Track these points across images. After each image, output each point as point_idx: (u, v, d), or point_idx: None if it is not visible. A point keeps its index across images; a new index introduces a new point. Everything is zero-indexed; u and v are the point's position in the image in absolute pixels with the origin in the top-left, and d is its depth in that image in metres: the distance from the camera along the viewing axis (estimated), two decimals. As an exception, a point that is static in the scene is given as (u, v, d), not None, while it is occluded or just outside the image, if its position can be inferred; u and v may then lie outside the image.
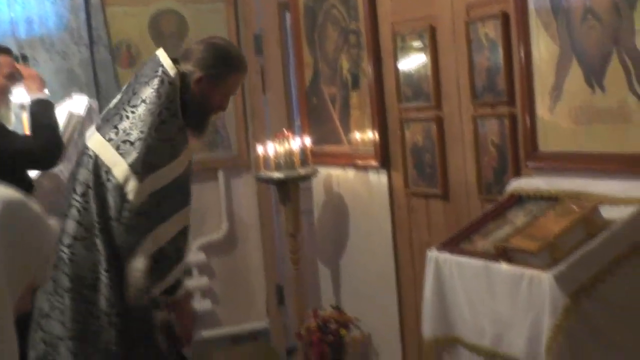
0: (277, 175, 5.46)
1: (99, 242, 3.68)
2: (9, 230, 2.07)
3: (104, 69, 6.27)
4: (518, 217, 3.70)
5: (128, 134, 3.65)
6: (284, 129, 5.79)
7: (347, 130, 5.48)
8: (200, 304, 6.44)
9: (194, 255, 6.41)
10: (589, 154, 3.65)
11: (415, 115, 4.82)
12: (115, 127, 3.70)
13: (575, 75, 3.65)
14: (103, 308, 3.70)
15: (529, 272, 3.25)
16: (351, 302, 5.62)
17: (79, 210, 3.72)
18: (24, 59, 5.83)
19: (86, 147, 3.79)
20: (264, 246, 6.70)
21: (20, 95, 5.02)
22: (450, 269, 3.68)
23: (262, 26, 6.57)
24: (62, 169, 5.26)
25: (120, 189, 3.60)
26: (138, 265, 3.62)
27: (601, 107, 3.54)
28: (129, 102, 3.74)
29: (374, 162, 5.20)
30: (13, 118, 5.12)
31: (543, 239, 3.28)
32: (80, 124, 5.55)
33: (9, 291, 2.07)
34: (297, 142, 5.54)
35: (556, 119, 3.79)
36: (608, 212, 3.34)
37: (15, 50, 5.68)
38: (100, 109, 6.11)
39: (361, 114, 5.31)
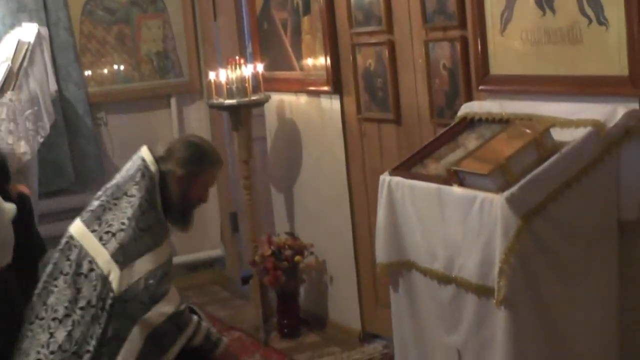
0: (229, 101, 5.42)
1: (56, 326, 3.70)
2: None
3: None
4: (470, 141, 3.70)
5: (110, 225, 3.75)
6: (236, 56, 5.73)
7: (299, 56, 5.44)
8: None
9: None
10: (539, 76, 3.65)
11: (366, 39, 4.79)
12: (99, 219, 3.80)
13: (526, -3, 3.64)
14: None
15: (481, 194, 3.27)
16: (305, 228, 5.63)
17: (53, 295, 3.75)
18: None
19: (70, 236, 3.82)
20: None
21: None
22: (402, 193, 3.68)
23: (212, -49, 6.47)
24: (11, 98, 5.19)
25: (105, 278, 3.66)
26: (134, 347, 3.67)
27: (552, 29, 3.54)
28: (112, 194, 3.84)
29: (326, 88, 5.17)
30: None
31: (494, 162, 3.29)
32: (30, 52, 5.47)
33: None
34: (249, 69, 5.49)
35: (507, 42, 3.78)
36: (559, 134, 3.36)
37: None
38: (51, 37, 6.02)
39: (312, 40, 5.26)
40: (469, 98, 4.05)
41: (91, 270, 3.70)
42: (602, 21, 3.35)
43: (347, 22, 4.91)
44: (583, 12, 3.41)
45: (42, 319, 3.70)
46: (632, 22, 3.24)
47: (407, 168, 3.76)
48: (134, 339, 3.65)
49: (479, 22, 3.89)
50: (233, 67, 5.42)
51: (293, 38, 5.47)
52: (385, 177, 3.78)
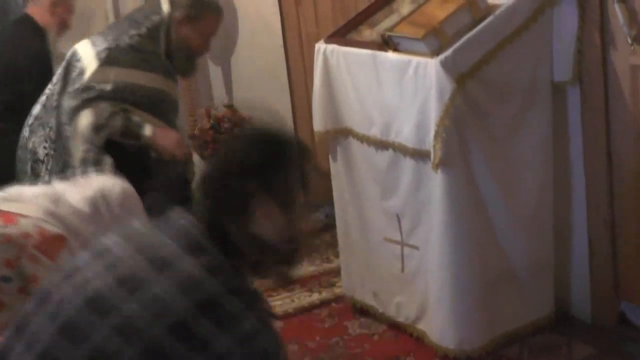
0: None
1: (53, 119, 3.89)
2: None
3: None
4: (404, 6, 3.67)
5: (106, 34, 3.91)
6: None
7: None
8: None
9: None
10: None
11: None
12: (103, 34, 3.95)
13: None
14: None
15: (415, 59, 3.27)
16: (244, 100, 5.59)
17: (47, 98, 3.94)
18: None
19: (74, 52, 3.93)
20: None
21: None
22: (337, 61, 3.66)
23: None
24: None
25: (82, 70, 3.80)
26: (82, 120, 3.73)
27: None
28: (122, 20, 4.12)
29: (260, -44, 5.09)
30: None
31: (428, 26, 3.28)
32: None
33: None
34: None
35: None
36: (492, -3, 3.35)
37: None
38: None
39: None
40: (403, -38, 4.01)
41: (76, 62, 3.87)
42: None
43: None
44: None
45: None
46: None
47: (342, 35, 3.73)
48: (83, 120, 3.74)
49: None
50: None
51: None
52: (320, 46, 3.75)
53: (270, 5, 5.13)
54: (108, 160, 3.71)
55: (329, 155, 3.91)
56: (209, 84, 6.01)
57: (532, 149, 3.40)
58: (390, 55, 3.39)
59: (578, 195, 3.52)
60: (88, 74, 3.79)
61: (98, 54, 3.81)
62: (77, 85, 3.79)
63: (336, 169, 3.89)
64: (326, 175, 4.05)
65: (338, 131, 3.77)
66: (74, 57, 3.87)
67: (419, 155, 3.34)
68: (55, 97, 3.88)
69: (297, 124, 5.19)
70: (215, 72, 5.89)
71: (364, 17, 3.77)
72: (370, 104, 3.54)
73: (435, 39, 3.23)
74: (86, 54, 3.85)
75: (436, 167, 3.23)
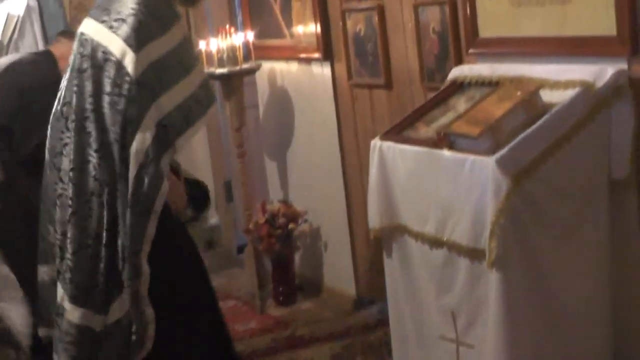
0: (220, 70, 5.41)
1: (89, 123, 3.69)
2: None
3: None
4: (460, 104, 3.71)
5: (119, 12, 3.66)
6: (226, 24, 5.71)
7: (289, 23, 5.42)
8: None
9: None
10: (528, 37, 3.66)
11: (356, 5, 4.78)
12: (107, 10, 3.71)
13: (514, -42, 3.63)
14: (91, 189, 3.68)
15: (471, 157, 3.28)
16: (299, 195, 5.64)
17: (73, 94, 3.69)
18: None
19: (82, 34, 3.80)
20: (210, 142, 6.67)
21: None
22: (393, 158, 3.69)
23: None
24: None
25: (119, 64, 3.62)
26: (146, 136, 3.62)
27: (540, -11, 3.54)
28: None
29: (316, 55, 5.16)
30: None
31: (484, 123, 3.30)
32: (20, 24, 5.46)
33: None
34: (240, 37, 5.48)
35: (496, 4, 3.78)
36: (548, 96, 3.37)
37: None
38: (40, 8, 5.99)
39: (302, 6, 5.25)
40: (459, 61, 4.05)
41: (106, 60, 3.69)
42: (590, -19, 3.35)
43: (336, -13, 4.91)
44: (572, -28, 3.41)
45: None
46: (619, -19, 3.24)
47: (398, 132, 3.77)
48: (148, 124, 3.64)
49: (468, -16, 3.89)
50: (223, 36, 5.42)
51: (283, 5, 5.45)
52: (376, 142, 3.78)
53: (326, 101, 5.19)
54: None
55: (384, 252, 3.91)
56: (265, 179, 6.07)
57: (590, 246, 3.36)
58: (446, 153, 3.40)
59: (635, 292, 3.47)
60: (130, 68, 3.56)
61: (126, 40, 3.58)
62: (126, 86, 3.55)
63: (391, 265, 3.88)
64: (380, 272, 4.05)
65: (393, 228, 3.77)
66: (98, 48, 3.63)
67: (475, 253, 3.32)
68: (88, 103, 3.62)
69: (352, 220, 5.21)
70: (270, 167, 5.95)
71: (420, 114, 3.81)
72: (426, 201, 3.54)
73: (491, 137, 3.24)
74: (112, 41, 3.62)
75: (491, 265, 3.21)
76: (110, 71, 3.61)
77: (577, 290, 3.36)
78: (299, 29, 5.33)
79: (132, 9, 3.64)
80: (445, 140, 3.42)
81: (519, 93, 3.38)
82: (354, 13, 4.80)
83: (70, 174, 3.66)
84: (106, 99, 3.60)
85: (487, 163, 3.18)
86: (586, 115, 3.27)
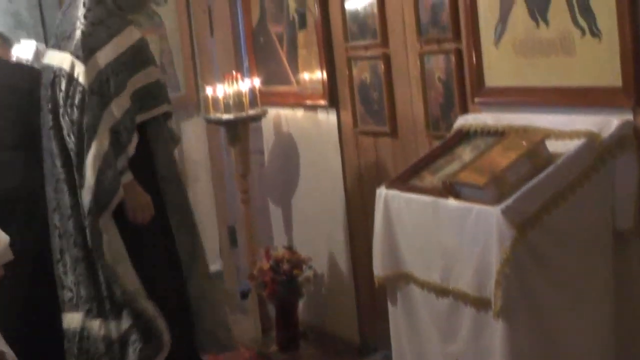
0: (226, 116, 5.44)
1: (52, 141, 3.94)
2: None
3: (52, 12, 6.16)
4: (465, 153, 3.72)
5: (65, 32, 3.92)
6: (233, 70, 5.74)
7: (295, 70, 5.45)
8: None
9: (145, 198, 6.38)
10: (534, 88, 3.68)
11: (362, 53, 4.81)
12: (56, 35, 4.01)
13: (519, 9, 3.66)
14: (67, 204, 3.85)
15: (476, 206, 3.29)
16: (303, 240, 5.64)
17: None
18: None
19: (42, 67, 4.05)
20: (215, 188, 6.68)
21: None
22: (399, 206, 3.70)
23: (208, -34, 6.49)
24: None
25: (70, 76, 3.77)
26: (103, 142, 3.73)
27: (545, 40, 3.56)
28: (63, 13, 4.05)
29: (322, 102, 5.19)
30: None
31: (490, 173, 3.31)
32: None
33: None
34: (246, 84, 5.51)
35: (501, 54, 3.81)
36: (554, 146, 3.38)
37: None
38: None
39: (308, 53, 5.28)
40: (464, 110, 4.07)
41: (57, 76, 3.88)
42: (595, 32, 3.38)
43: (342, 35, 4.93)
44: (576, 23, 3.43)
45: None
46: (624, 32, 3.26)
47: (403, 181, 3.78)
48: (103, 132, 3.74)
49: (473, 35, 3.92)
50: (230, 82, 5.45)
51: (289, 52, 5.49)
52: (382, 190, 3.80)
53: (332, 148, 5.21)
54: None
55: (388, 299, 3.91)
56: (269, 224, 6.07)
57: (595, 297, 3.35)
58: (452, 202, 3.41)
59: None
60: (81, 78, 3.79)
61: (73, 52, 3.82)
62: (78, 96, 3.79)
63: (395, 312, 3.88)
64: (384, 319, 4.05)
65: (398, 276, 3.78)
66: (52, 70, 3.89)
67: (480, 302, 3.31)
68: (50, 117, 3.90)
69: (356, 268, 5.20)
70: (275, 213, 5.95)
71: (425, 163, 3.82)
72: (431, 250, 3.55)
73: (497, 187, 3.25)
74: (63, 60, 3.87)
75: (497, 315, 3.21)
76: (62, 85, 3.76)
77: (582, 341, 3.35)
78: (305, 76, 5.36)
79: (73, 24, 3.82)
80: (450, 189, 3.43)
81: (524, 143, 3.39)
82: (359, 61, 4.83)
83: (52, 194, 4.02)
84: (60, 112, 3.75)
85: (493, 213, 3.18)
86: (591, 166, 3.28)
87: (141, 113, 4.02)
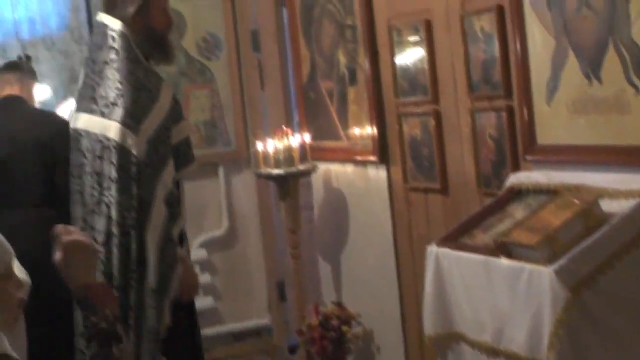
0: (276, 171, 5.45)
1: (96, 217, 3.79)
2: None
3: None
4: (518, 211, 3.68)
5: (107, 97, 3.74)
6: (283, 125, 5.77)
7: (345, 125, 5.46)
8: (202, 301, 6.41)
9: (195, 252, 6.38)
10: (587, 146, 3.63)
11: (412, 109, 4.80)
12: (93, 98, 3.81)
13: (571, 66, 3.63)
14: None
15: (529, 266, 3.24)
16: (352, 297, 5.61)
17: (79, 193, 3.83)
18: (27, 59, 5.83)
19: (75, 130, 3.83)
20: (264, 242, 6.68)
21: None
22: (450, 264, 3.66)
23: (259, 22, 6.53)
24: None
25: (122, 147, 3.64)
26: (160, 214, 3.67)
27: (598, 98, 3.53)
28: (93, 71, 3.86)
29: (372, 157, 5.18)
30: None
31: (543, 233, 3.26)
32: None
33: None
34: (296, 139, 5.53)
35: (553, 111, 3.77)
36: (608, 205, 3.33)
37: (18, 50, 5.75)
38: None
39: (359, 109, 5.29)
40: (516, 168, 4.04)
41: (104, 148, 3.69)
42: (649, 90, 3.34)
43: (392, 91, 4.93)
44: (630, 81, 3.39)
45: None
46: (679, 91, 3.23)
47: (454, 238, 3.75)
48: (159, 202, 3.64)
49: (525, 92, 3.89)
50: (280, 137, 5.47)
51: (339, 107, 5.50)
52: (432, 248, 3.77)
53: (382, 204, 5.19)
54: None
55: (438, 359, 3.85)
56: (318, 280, 6.05)
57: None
58: (504, 261, 3.37)
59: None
60: (134, 150, 3.64)
61: (123, 122, 3.66)
62: (133, 169, 3.65)
63: (445, 372, 3.83)
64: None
65: (449, 335, 3.73)
66: (94, 138, 3.71)
67: (533, 364, 3.26)
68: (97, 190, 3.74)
69: (406, 325, 5.15)
70: (324, 269, 5.93)
71: (477, 221, 3.78)
72: (482, 310, 3.50)
73: (550, 247, 3.20)
74: (108, 128, 3.70)
75: (550, 377, 3.15)
76: (112, 157, 3.65)
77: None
78: (355, 131, 5.36)
79: (118, 89, 3.72)
80: (502, 248, 3.39)
81: (577, 202, 3.35)
82: (410, 117, 4.82)
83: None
84: (113, 187, 3.64)
85: (546, 273, 3.14)
86: (646, 226, 3.23)
87: (176, 174, 3.97)
